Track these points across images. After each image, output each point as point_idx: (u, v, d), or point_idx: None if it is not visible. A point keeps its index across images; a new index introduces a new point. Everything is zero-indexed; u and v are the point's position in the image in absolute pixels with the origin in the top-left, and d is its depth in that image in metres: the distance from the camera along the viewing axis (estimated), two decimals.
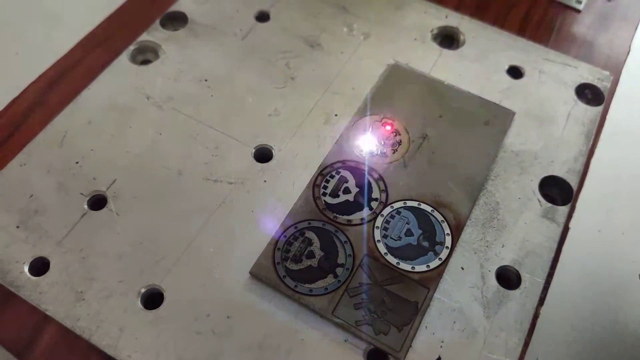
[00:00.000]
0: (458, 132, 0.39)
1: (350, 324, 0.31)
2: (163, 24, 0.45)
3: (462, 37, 0.45)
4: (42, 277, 0.33)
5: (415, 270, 0.33)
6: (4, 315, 0.32)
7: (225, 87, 0.41)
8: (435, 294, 0.33)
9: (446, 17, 0.46)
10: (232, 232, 0.35)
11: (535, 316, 0.33)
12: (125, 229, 0.34)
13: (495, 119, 0.40)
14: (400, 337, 0.31)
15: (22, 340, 0.32)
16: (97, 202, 0.36)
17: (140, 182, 0.36)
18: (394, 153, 0.38)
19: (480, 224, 0.36)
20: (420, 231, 0.35)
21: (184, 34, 0.44)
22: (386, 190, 0.36)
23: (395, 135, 0.39)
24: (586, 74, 0.43)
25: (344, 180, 0.37)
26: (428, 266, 0.34)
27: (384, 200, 0.36)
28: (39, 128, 0.39)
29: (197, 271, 0.33)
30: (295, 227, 0.35)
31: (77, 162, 0.37)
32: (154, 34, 0.44)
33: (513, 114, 0.40)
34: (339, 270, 0.33)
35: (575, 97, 0.42)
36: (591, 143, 0.40)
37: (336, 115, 0.40)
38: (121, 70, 0.42)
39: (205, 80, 0.41)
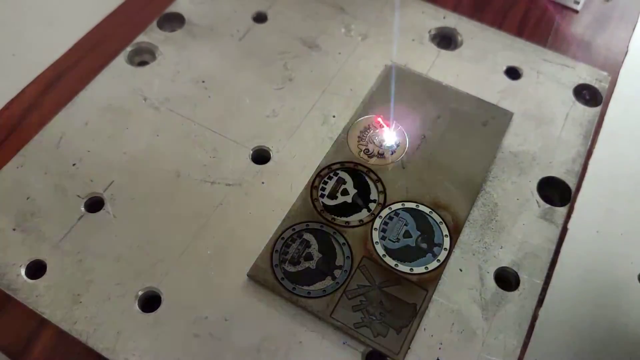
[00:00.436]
0: (456, 133, 0.39)
1: (349, 326, 0.31)
2: (160, 25, 0.45)
3: (460, 38, 0.45)
4: (38, 280, 0.33)
5: (413, 272, 0.33)
6: (1, 318, 0.32)
7: (222, 89, 0.41)
8: (433, 296, 0.33)
9: (444, 17, 0.46)
10: (230, 234, 0.34)
11: (534, 317, 0.33)
12: (122, 231, 0.34)
13: (494, 120, 0.40)
14: (398, 339, 0.31)
15: (19, 344, 0.32)
16: (94, 204, 0.36)
17: (137, 184, 0.36)
18: (392, 154, 0.38)
19: (478, 225, 0.36)
20: (419, 233, 0.35)
21: (181, 35, 0.44)
22: (384, 192, 0.36)
23: (393, 137, 0.39)
24: (584, 74, 0.43)
25: (342, 181, 0.37)
26: (426, 268, 0.33)
27: (382, 202, 0.36)
28: (36, 130, 0.38)
29: (195, 273, 0.33)
30: (293, 229, 0.34)
31: (74, 164, 0.37)
32: (151, 35, 0.44)
33: (511, 114, 0.40)
34: (337, 272, 0.33)
35: (573, 98, 0.42)
36: (589, 144, 0.40)
37: (334, 116, 0.40)
38: (118, 71, 0.42)
39: (203, 82, 0.41)
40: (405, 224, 0.35)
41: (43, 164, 0.37)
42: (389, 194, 0.36)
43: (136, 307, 0.32)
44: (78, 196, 0.36)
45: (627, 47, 0.46)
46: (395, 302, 0.32)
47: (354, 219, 0.35)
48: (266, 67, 0.42)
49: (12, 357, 0.31)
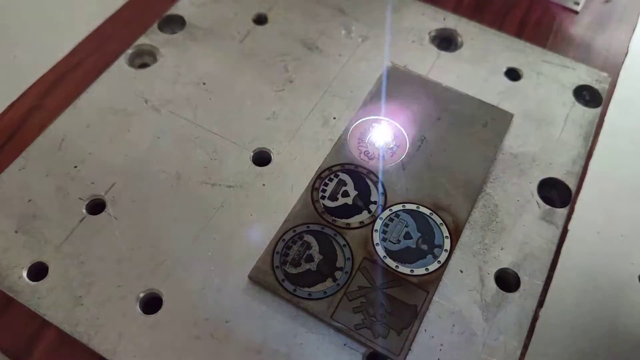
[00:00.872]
0: (456, 135, 0.39)
1: (350, 327, 0.31)
2: (161, 28, 0.45)
3: (460, 39, 0.45)
4: (40, 282, 0.33)
5: (414, 274, 0.33)
6: (3, 320, 0.32)
7: (223, 91, 0.41)
8: (434, 297, 0.33)
9: (444, 19, 0.46)
10: (231, 236, 0.35)
11: (535, 319, 0.33)
12: (123, 233, 0.34)
13: (494, 121, 0.40)
14: (399, 341, 0.31)
15: (20, 346, 0.32)
16: (96, 207, 0.36)
17: (138, 186, 0.36)
18: (392, 156, 0.38)
19: (479, 226, 0.36)
20: (419, 234, 0.35)
21: (182, 37, 0.44)
22: (385, 193, 0.36)
23: (394, 138, 0.39)
24: (584, 75, 0.43)
25: (342, 183, 0.37)
26: (427, 269, 0.33)
27: (382, 203, 0.36)
28: (38, 132, 0.39)
29: (196, 275, 0.33)
30: (294, 231, 0.35)
31: (75, 166, 0.37)
32: (152, 38, 0.44)
33: (511, 116, 0.40)
34: (337, 274, 0.33)
35: (573, 99, 0.42)
36: (589, 145, 0.40)
37: (334, 118, 0.40)
38: (119, 73, 0.42)
39: (204, 84, 0.41)
40: (405, 226, 0.35)
41: (45, 167, 0.37)
42: (390, 196, 0.36)
43: (137, 309, 0.32)
44: (80, 198, 0.36)
45: (627, 48, 0.46)
46: (395, 304, 0.32)
47: (354, 220, 0.35)
48: (267, 69, 0.42)
49: (14, 359, 0.31)
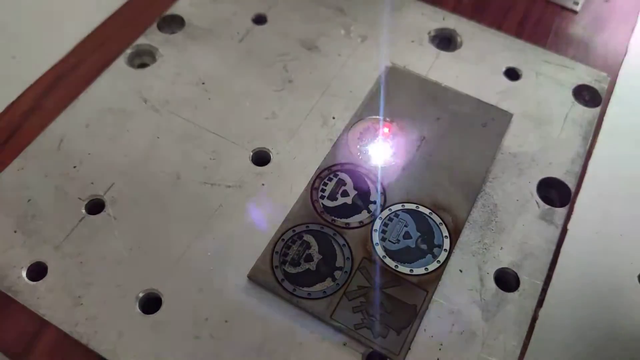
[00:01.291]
0: (456, 134, 0.39)
1: (349, 327, 0.31)
2: (160, 27, 0.45)
3: (459, 39, 0.45)
4: (39, 282, 0.33)
5: (413, 273, 0.33)
6: (2, 320, 0.32)
7: (222, 90, 0.41)
8: (433, 297, 0.33)
9: (443, 19, 0.46)
10: (230, 236, 0.35)
11: (534, 318, 0.33)
12: (123, 233, 0.34)
13: (493, 121, 0.40)
14: (399, 340, 0.31)
15: (20, 346, 0.32)
16: (95, 207, 0.36)
17: (138, 186, 0.36)
18: (391, 155, 0.38)
19: (478, 226, 0.36)
20: (419, 234, 0.35)
21: (181, 37, 0.44)
22: (384, 193, 0.36)
23: (393, 138, 0.39)
24: (583, 75, 0.43)
25: (342, 183, 0.37)
26: (426, 269, 0.33)
27: (382, 203, 0.36)
28: (37, 132, 0.38)
29: (195, 275, 0.33)
30: (294, 231, 0.35)
31: (74, 167, 0.37)
32: (151, 37, 0.44)
33: (510, 115, 0.40)
34: (337, 274, 0.33)
35: (572, 99, 0.42)
36: (589, 144, 0.40)
37: (334, 117, 0.40)
38: (118, 73, 0.42)
39: (203, 84, 0.41)
40: (405, 225, 0.35)
41: (44, 167, 0.37)
42: (389, 195, 0.36)
43: (137, 309, 0.32)
44: (79, 198, 0.36)
45: (627, 47, 0.46)
46: (395, 303, 0.32)
47: (354, 220, 0.35)
48: (266, 68, 0.42)
49: (14, 359, 0.31)
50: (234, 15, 0.46)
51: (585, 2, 0.49)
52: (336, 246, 0.34)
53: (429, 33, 0.45)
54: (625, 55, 0.46)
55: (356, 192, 0.36)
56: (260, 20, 0.46)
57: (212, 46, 0.44)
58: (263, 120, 0.40)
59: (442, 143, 0.39)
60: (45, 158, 0.37)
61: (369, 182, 0.37)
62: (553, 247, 0.35)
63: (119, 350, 0.31)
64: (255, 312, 0.32)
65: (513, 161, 0.38)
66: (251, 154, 0.38)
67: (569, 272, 0.35)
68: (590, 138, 0.40)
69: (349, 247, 0.34)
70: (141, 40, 0.44)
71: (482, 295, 0.33)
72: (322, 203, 0.36)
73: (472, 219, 0.36)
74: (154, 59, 0.43)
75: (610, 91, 0.43)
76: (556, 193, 0.38)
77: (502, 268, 0.34)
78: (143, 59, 0.43)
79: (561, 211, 0.37)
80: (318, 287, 0.33)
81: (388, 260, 0.34)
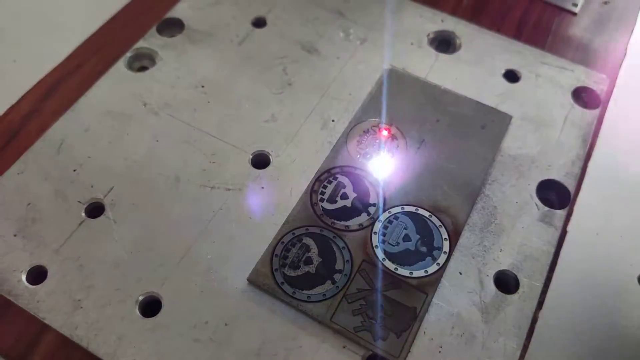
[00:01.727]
0: (455, 137, 0.39)
1: (349, 330, 0.31)
2: (159, 31, 0.45)
3: (458, 41, 0.45)
4: (39, 285, 0.33)
5: (413, 276, 0.33)
6: (2, 324, 0.32)
7: (222, 93, 0.41)
8: (433, 299, 0.33)
9: (442, 21, 0.46)
10: (230, 239, 0.35)
11: (534, 320, 0.33)
12: (122, 237, 0.34)
13: (492, 123, 0.40)
14: (398, 343, 0.31)
15: (20, 349, 0.32)
16: (95, 210, 0.36)
17: (137, 189, 0.36)
18: (391, 158, 0.38)
19: (478, 228, 0.36)
20: (418, 236, 0.35)
21: (181, 40, 0.44)
22: (384, 196, 0.36)
23: (392, 140, 0.39)
24: (583, 77, 0.43)
25: (341, 185, 0.37)
26: (426, 271, 0.33)
27: (381, 206, 0.36)
28: (37, 136, 0.39)
29: (195, 278, 0.33)
30: (293, 234, 0.35)
31: (74, 170, 0.37)
32: (151, 41, 0.44)
33: (510, 117, 0.40)
34: (337, 277, 0.33)
35: (572, 101, 0.42)
36: (588, 146, 0.40)
37: (333, 120, 0.40)
38: (118, 77, 0.42)
39: (202, 87, 0.41)
40: (404, 228, 0.35)
41: (44, 170, 0.37)
42: (389, 198, 0.36)
43: (137, 312, 0.32)
44: (79, 202, 0.36)
45: (626, 49, 0.46)
46: (395, 306, 0.32)
47: (353, 223, 0.35)
48: (265, 71, 0.42)
49: None
50: (234, 19, 0.46)
51: (584, 3, 0.49)
52: (336, 249, 0.34)
53: (428, 35, 0.45)
54: (624, 57, 0.46)
55: (356, 195, 0.36)
56: (259, 23, 0.46)
57: (212, 49, 0.44)
58: (262, 123, 0.40)
59: (441, 145, 0.39)
60: (45, 162, 0.37)
61: (368, 185, 0.37)
62: (552, 249, 0.35)
63: (118, 354, 0.31)
64: (255, 315, 0.32)
65: (512, 163, 0.39)
66: (251, 156, 0.38)
67: (569, 274, 0.35)
68: (590, 140, 0.40)
69: (349, 250, 0.34)
70: (141, 44, 0.44)
71: (482, 298, 0.33)
72: (321, 206, 0.36)
73: (471, 221, 0.36)
74: (153, 63, 0.43)
75: (609, 93, 0.43)
76: (555, 195, 0.38)
77: (502, 270, 0.34)
78: (143, 63, 0.44)
79: (560, 213, 0.37)
80: (318, 289, 0.33)
81: (388, 263, 0.34)
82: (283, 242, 0.34)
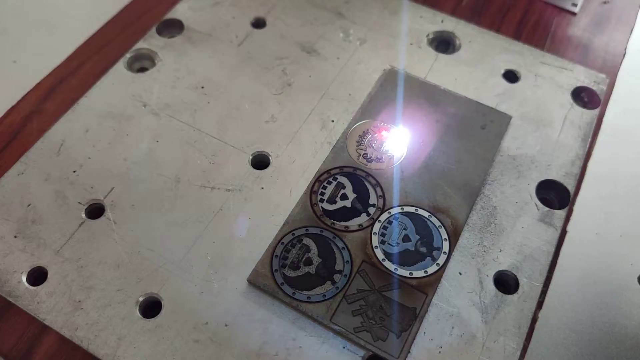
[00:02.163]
0: (455, 137, 0.39)
1: (349, 330, 0.31)
2: (159, 32, 0.45)
3: (457, 42, 0.45)
4: (40, 286, 0.33)
5: (413, 276, 0.33)
6: (2, 325, 0.32)
7: (221, 94, 0.41)
8: (433, 300, 0.33)
9: (442, 21, 0.46)
10: (230, 240, 0.35)
11: (534, 320, 0.33)
12: (123, 238, 0.34)
13: (492, 123, 0.40)
14: (398, 344, 0.31)
15: (20, 350, 0.32)
16: (95, 211, 0.36)
17: (137, 190, 0.36)
18: (390, 158, 0.38)
19: (477, 228, 0.36)
20: (418, 237, 0.35)
21: (181, 41, 0.44)
22: (383, 196, 0.36)
23: (392, 141, 0.39)
24: (582, 77, 0.43)
25: (341, 186, 0.37)
26: (426, 272, 0.34)
27: (381, 206, 0.36)
28: (37, 136, 0.39)
29: (195, 279, 0.33)
30: (293, 234, 0.35)
31: (74, 171, 0.37)
32: (151, 42, 0.44)
33: (509, 118, 0.40)
34: (336, 277, 0.33)
35: (571, 100, 0.42)
36: (588, 146, 0.40)
37: (333, 121, 0.40)
38: (118, 78, 0.42)
39: (202, 87, 0.42)
40: (404, 228, 0.35)
41: (44, 171, 0.37)
42: (388, 198, 0.36)
43: (137, 313, 0.32)
44: (79, 203, 0.36)
45: (625, 49, 0.46)
46: (395, 306, 0.32)
47: (353, 223, 0.35)
48: (265, 72, 0.43)
49: None
50: (233, 19, 0.46)
51: (583, 3, 0.49)
52: (335, 249, 0.34)
53: (428, 36, 0.45)
54: (624, 56, 0.46)
55: (355, 196, 0.36)
56: (259, 24, 0.46)
57: (212, 50, 0.44)
58: (262, 123, 0.40)
59: (441, 145, 0.39)
60: (45, 162, 0.37)
61: (368, 185, 0.37)
62: (552, 249, 0.35)
63: (119, 355, 0.31)
64: (255, 316, 0.32)
65: (512, 163, 0.39)
66: (250, 157, 0.38)
67: (569, 274, 0.35)
68: (589, 140, 0.40)
69: (349, 251, 0.34)
70: (140, 45, 0.44)
71: (482, 298, 0.33)
72: (321, 206, 0.36)
73: (471, 221, 0.36)
74: (153, 63, 0.43)
75: (609, 93, 0.43)
76: (555, 195, 0.38)
77: (502, 270, 0.34)
78: (142, 63, 0.44)
79: (560, 213, 0.37)
80: (317, 290, 0.33)
81: (387, 263, 0.34)
82: (283, 243, 0.34)
